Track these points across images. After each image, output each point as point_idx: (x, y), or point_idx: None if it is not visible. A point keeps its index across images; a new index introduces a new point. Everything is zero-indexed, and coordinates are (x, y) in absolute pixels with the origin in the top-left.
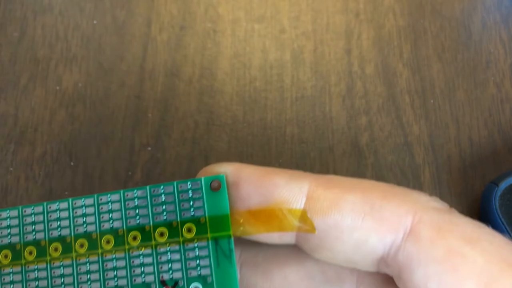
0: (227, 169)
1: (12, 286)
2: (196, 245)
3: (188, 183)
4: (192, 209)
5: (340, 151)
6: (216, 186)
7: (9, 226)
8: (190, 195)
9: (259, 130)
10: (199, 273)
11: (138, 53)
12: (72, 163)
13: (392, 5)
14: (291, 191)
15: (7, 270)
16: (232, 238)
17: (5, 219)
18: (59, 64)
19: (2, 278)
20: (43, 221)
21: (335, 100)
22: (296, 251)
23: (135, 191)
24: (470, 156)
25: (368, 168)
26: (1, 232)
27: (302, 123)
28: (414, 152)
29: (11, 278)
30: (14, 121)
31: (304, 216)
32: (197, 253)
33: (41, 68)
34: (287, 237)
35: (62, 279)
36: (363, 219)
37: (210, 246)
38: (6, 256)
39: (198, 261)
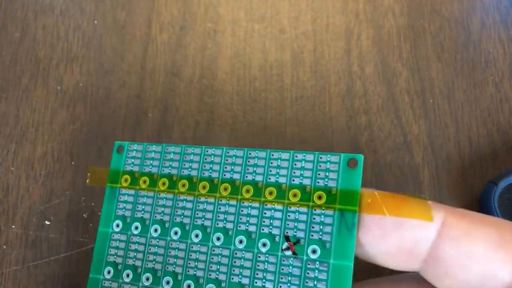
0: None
1: (163, 209)
2: (323, 212)
3: (328, 155)
4: (326, 179)
5: (340, 150)
6: (353, 163)
7: (171, 159)
8: (328, 166)
9: (259, 130)
10: (320, 237)
11: (138, 53)
12: (73, 163)
13: (391, 5)
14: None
15: (162, 195)
16: (357, 213)
17: (170, 153)
18: (60, 64)
19: (157, 201)
20: (199, 161)
21: (334, 100)
22: (402, 281)
23: (279, 153)
24: (469, 155)
25: (367, 167)
26: (164, 164)
27: (302, 123)
28: (414, 152)
29: (164, 202)
30: (15, 121)
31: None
32: (323, 219)
33: (42, 68)
34: (415, 264)
35: (204, 213)
36: (496, 251)
37: (335, 216)
38: (163, 184)
39: (321, 226)
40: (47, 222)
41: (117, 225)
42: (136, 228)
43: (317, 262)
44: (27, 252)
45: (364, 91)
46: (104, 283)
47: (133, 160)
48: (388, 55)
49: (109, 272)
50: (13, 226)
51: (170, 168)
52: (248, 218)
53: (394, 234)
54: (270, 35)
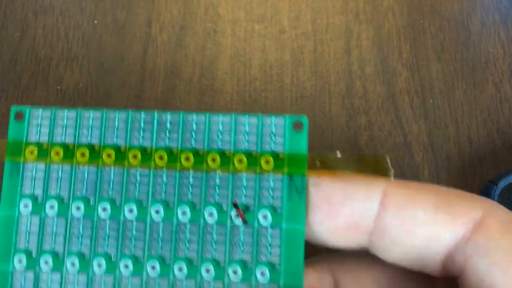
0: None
1: (85, 184)
2: (271, 177)
3: (273, 118)
4: (272, 144)
5: (340, 150)
6: (299, 126)
7: (91, 126)
8: (273, 130)
9: None
10: (270, 202)
11: (138, 53)
12: None
13: (391, 5)
14: (370, 185)
15: (83, 167)
16: (306, 177)
17: (88, 118)
18: (60, 64)
19: (77, 175)
20: (126, 128)
21: (334, 99)
22: (361, 259)
23: (219, 116)
24: (469, 155)
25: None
26: (82, 132)
27: None
28: (414, 152)
29: (86, 176)
30: None
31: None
32: (272, 184)
33: (42, 68)
34: (362, 239)
35: (137, 186)
36: (436, 213)
37: (284, 180)
38: (83, 155)
39: (271, 191)
40: None
41: (25, 206)
42: (52, 207)
43: (269, 228)
44: None
45: (364, 91)
46: (15, 275)
47: (39, 128)
48: (388, 55)
49: (20, 261)
50: None
51: (89, 136)
52: (190, 188)
53: (341, 209)
54: (270, 35)
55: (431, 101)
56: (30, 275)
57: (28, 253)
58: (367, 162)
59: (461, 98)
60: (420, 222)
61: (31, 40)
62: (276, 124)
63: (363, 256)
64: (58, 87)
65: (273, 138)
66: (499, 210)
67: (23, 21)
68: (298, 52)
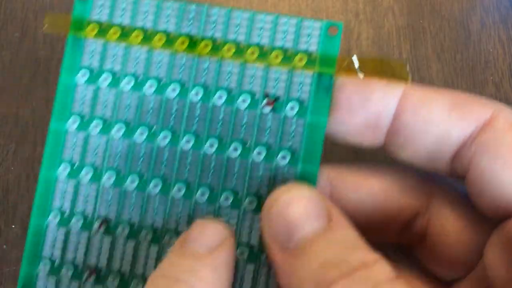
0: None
1: (137, 62)
2: (303, 73)
3: (311, 21)
4: (308, 44)
5: (341, 150)
6: (334, 30)
7: (147, 12)
8: (310, 32)
9: None
10: (298, 95)
11: None
12: None
13: (391, 5)
14: (389, 90)
15: (136, 48)
16: (334, 77)
17: (146, 4)
18: (60, 64)
19: (130, 54)
20: (178, 16)
21: None
22: (376, 167)
23: (263, 15)
24: None
25: None
26: (139, 16)
27: None
28: None
29: (138, 55)
30: (15, 121)
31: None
32: (302, 79)
33: (42, 68)
34: (379, 137)
35: (182, 69)
36: (450, 112)
37: (314, 78)
38: (137, 36)
39: (301, 86)
40: None
41: (83, 75)
42: (105, 79)
43: (295, 118)
44: None
45: None
46: (68, 135)
47: (101, 9)
48: (388, 55)
49: (74, 122)
50: (13, 226)
51: (145, 21)
52: (229, 76)
53: (361, 109)
54: None
55: None
56: (81, 135)
57: (82, 117)
58: (387, 67)
59: None
60: (434, 121)
61: (31, 40)
62: (313, 27)
63: (362, 169)
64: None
65: (308, 39)
66: (508, 110)
67: (23, 21)
68: None
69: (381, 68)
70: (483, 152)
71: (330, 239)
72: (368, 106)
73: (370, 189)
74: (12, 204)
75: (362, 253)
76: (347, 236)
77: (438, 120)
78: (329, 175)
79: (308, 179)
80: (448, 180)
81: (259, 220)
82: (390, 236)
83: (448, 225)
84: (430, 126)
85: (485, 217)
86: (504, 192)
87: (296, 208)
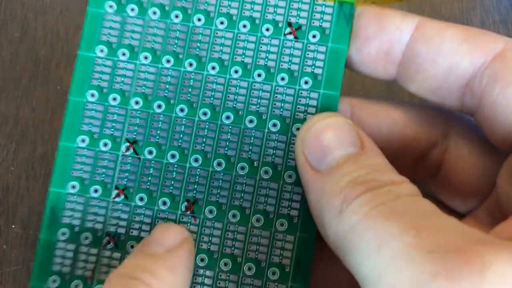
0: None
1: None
2: (324, 3)
3: None
4: None
5: None
6: None
7: None
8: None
9: None
10: (320, 24)
11: None
12: None
13: (391, 5)
14: (404, 20)
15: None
16: (354, 6)
17: None
18: (60, 64)
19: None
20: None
21: None
22: (396, 101)
23: None
24: None
25: None
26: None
27: None
28: None
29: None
30: (15, 121)
31: None
32: (324, 9)
33: (42, 68)
34: (391, 68)
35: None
36: (461, 44)
37: (335, 7)
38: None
39: (322, 15)
40: None
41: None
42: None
43: (317, 45)
44: (27, 252)
45: (364, 90)
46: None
47: None
48: None
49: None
50: (13, 226)
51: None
52: (252, 5)
53: (375, 38)
54: None
55: None
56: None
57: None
58: None
59: None
60: (445, 52)
61: (31, 40)
62: None
63: (383, 101)
64: (58, 87)
65: None
66: None
67: (23, 21)
68: None
69: None
70: (495, 81)
71: (361, 162)
72: (383, 35)
73: (389, 117)
74: (12, 204)
75: (390, 174)
76: (378, 161)
77: (449, 51)
78: (350, 102)
79: (329, 103)
80: (465, 115)
81: (294, 142)
82: (406, 168)
83: (463, 155)
84: (440, 56)
85: (498, 149)
86: None
87: (331, 133)
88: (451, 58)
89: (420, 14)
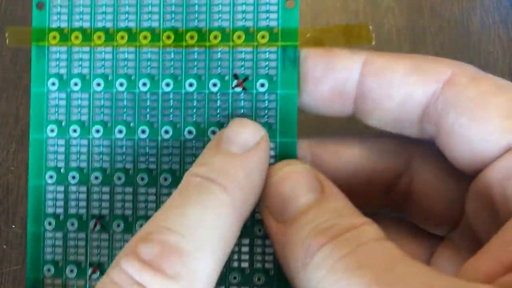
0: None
1: (103, 62)
2: (267, 50)
3: None
4: (267, 19)
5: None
6: (291, 4)
7: (104, 12)
8: (268, 8)
9: None
10: (266, 72)
11: None
12: None
13: (391, 6)
14: (351, 58)
15: (100, 49)
16: (298, 49)
17: (102, 5)
18: None
19: (95, 55)
20: (136, 12)
21: None
22: (355, 136)
23: None
24: None
25: None
26: (97, 17)
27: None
28: None
29: (103, 56)
30: (15, 121)
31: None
32: (267, 56)
33: None
34: (347, 105)
35: (149, 63)
36: (411, 75)
37: (279, 52)
38: (99, 38)
39: (267, 62)
40: None
41: (53, 84)
42: (76, 84)
43: (266, 94)
44: None
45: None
46: (49, 141)
47: (59, 16)
48: None
49: (52, 131)
50: (13, 226)
51: (104, 21)
52: (195, 63)
53: (325, 78)
54: None
55: None
56: (61, 141)
57: (59, 123)
58: (352, 32)
59: None
60: (397, 85)
61: None
62: (270, 2)
63: (342, 138)
64: None
65: (267, 15)
66: (468, 67)
67: (23, 21)
68: None
69: (346, 33)
70: (448, 109)
71: (322, 208)
72: (333, 75)
73: (351, 154)
74: (12, 204)
75: (351, 217)
76: (338, 204)
77: (400, 83)
78: (310, 144)
79: (288, 150)
80: (426, 140)
81: None
82: (377, 200)
83: (429, 181)
84: (393, 89)
85: (463, 172)
86: (474, 147)
87: (290, 182)
88: (404, 89)
89: (420, 14)
